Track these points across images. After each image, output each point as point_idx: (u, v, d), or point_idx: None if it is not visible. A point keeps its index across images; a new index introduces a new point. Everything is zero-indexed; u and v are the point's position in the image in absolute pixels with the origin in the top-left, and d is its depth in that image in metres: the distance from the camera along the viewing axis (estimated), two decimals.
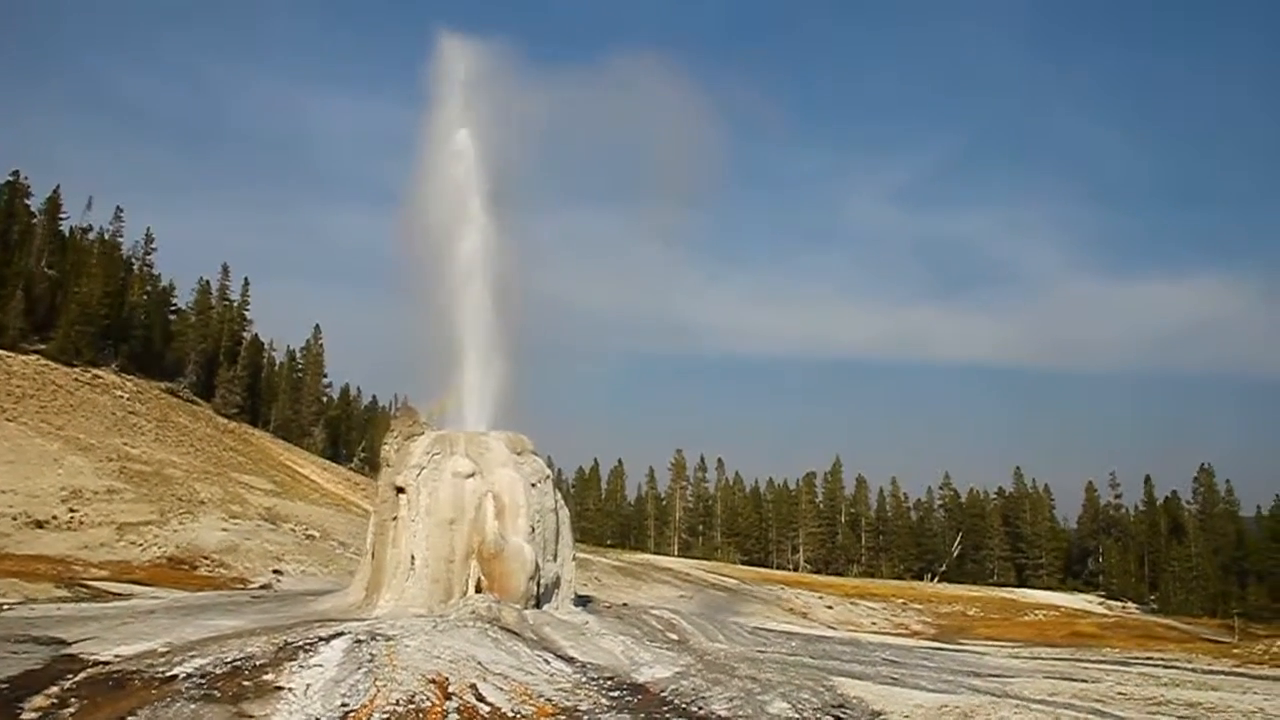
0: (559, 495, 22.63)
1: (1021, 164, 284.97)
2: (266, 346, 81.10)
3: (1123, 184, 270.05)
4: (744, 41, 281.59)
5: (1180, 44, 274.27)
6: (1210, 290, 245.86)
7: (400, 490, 20.79)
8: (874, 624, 47.72)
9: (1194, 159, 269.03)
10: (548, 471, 22.29)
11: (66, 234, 67.42)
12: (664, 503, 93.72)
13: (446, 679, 13.58)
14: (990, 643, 35.40)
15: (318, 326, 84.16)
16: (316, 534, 41.98)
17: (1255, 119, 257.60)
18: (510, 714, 12.77)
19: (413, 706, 12.60)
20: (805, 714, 13.55)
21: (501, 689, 13.57)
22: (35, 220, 64.45)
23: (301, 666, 13.63)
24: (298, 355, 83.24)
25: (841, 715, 13.63)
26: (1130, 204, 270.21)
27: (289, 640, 14.95)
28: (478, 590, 19.75)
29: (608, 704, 13.61)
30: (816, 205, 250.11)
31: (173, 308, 73.69)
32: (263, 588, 30.46)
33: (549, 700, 13.44)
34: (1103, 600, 70.22)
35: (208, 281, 75.08)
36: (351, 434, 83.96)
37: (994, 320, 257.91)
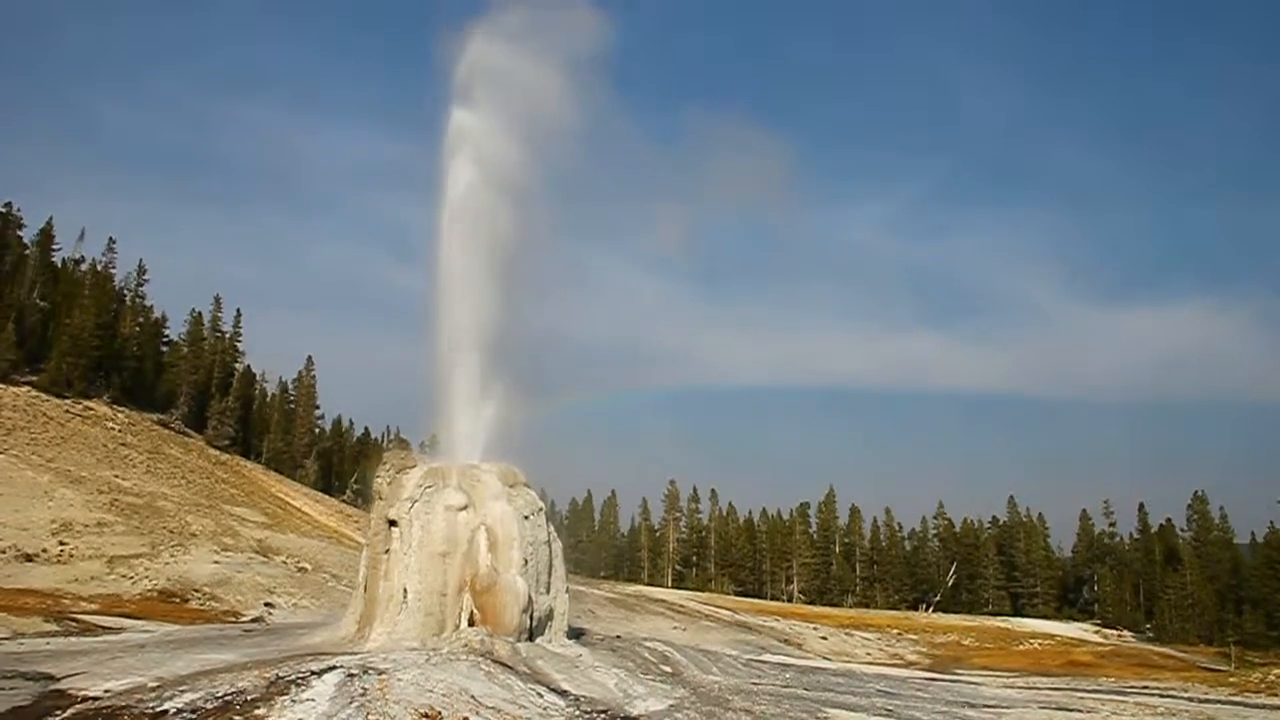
0: (552, 528, 22.59)
1: (1013, 190, 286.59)
2: (258, 378, 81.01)
3: (1115, 210, 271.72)
4: (732, 69, 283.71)
5: (1172, 66, 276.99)
6: (1203, 317, 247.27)
7: (393, 523, 20.74)
8: (869, 655, 47.51)
9: (1186, 183, 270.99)
10: (540, 504, 22.26)
11: (59, 265, 67.50)
12: (658, 534, 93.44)
13: (439, 713, 13.48)
14: (986, 672, 35.27)
15: (310, 358, 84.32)
16: (309, 566, 41.78)
17: (1248, 143, 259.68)
18: None
19: None
20: None
21: None
22: (27, 251, 64.56)
23: (293, 701, 13.53)
24: (290, 387, 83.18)
25: None
26: (1123, 230, 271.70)
27: (281, 674, 14.85)
28: (470, 623, 19.67)
29: None
30: (809, 233, 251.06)
31: (165, 339, 73.62)
32: (254, 621, 30.29)
33: None
34: (1098, 629, 70.00)
35: (200, 313, 75.16)
36: (344, 466, 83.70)
37: (987, 348, 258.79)
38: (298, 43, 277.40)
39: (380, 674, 14.99)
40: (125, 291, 70.77)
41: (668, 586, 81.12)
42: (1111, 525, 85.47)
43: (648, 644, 23.57)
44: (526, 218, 26.80)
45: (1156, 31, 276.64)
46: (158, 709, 13.23)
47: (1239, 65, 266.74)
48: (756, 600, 76.06)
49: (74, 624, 25.15)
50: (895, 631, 57.93)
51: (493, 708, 14.04)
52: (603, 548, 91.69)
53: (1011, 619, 73.27)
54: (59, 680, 15.11)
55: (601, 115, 30.09)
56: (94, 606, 29.37)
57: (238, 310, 78.27)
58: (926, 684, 24.92)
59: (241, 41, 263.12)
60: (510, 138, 26.70)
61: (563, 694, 15.68)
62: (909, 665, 42.32)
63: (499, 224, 25.75)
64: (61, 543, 37.02)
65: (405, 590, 20.06)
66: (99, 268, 68.76)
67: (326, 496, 72.63)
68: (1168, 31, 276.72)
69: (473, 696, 14.35)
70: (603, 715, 14.62)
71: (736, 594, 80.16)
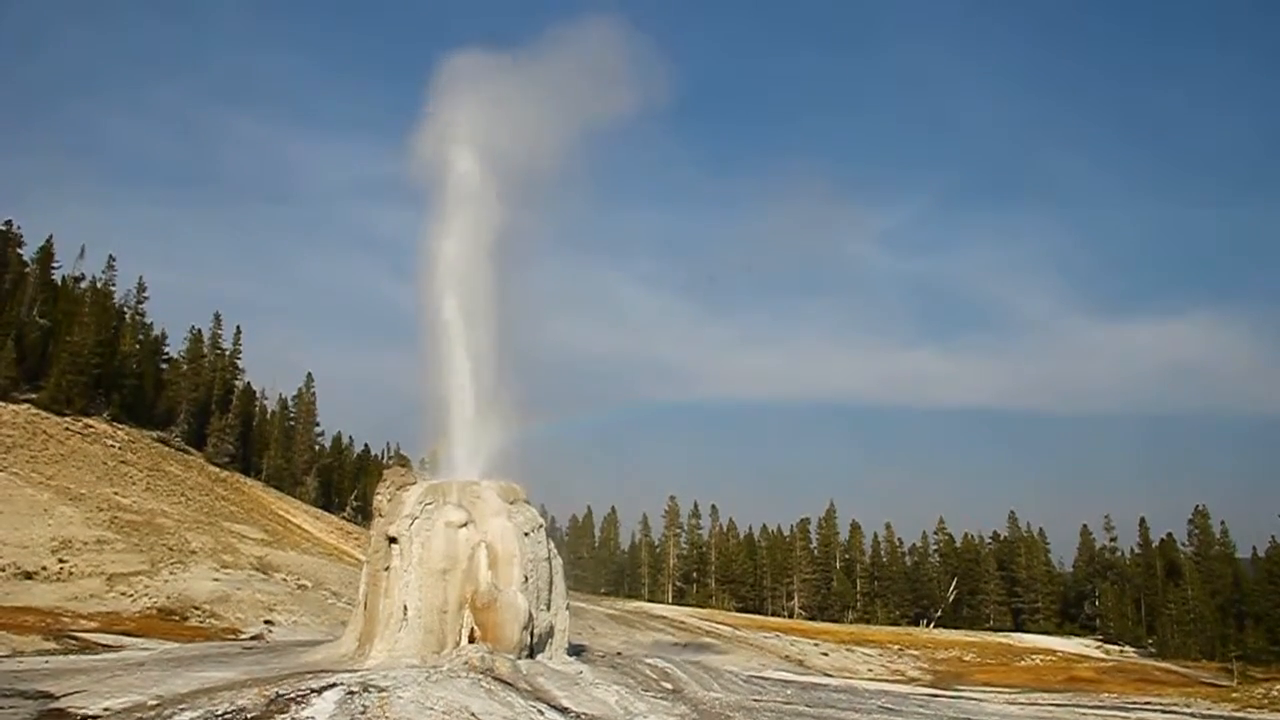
0: (552, 544, 22.58)
1: (1014, 202, 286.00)
2: (258, 395, 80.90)
3: (1116, 222, 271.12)
4: (730, 77, 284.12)
5: (1173, 76, 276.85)
6: (1205, 330, 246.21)
7: (393, 540, 20.73)
8: (870, 670, 47.40)
9: (1188, 194, 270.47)
10: (540, 520, 22.26)
11: (59, 283, 67.55)
12: (658, 550, 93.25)
13: None
14: (987, 689, 35.18)
15: (310, 375, 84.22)
16: (309, 584, 41.70)
17: (1251, 153, 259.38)
18: None
19: None
20: None
21: None
22: (28, 269, 64.63)
23: (294, 719, 13.51)
24: (290, 404, 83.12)
25: None
26: (1124, 242, 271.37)
27: (280, 692, 14.82)
28: (471, 640, 19.64)
29: None
30: (807, 248, 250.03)
31: (164, 356, 73.60)
32: (254, 638, 30.23)
33: None
34: (1100, 644, 69.81)
35: (199, 330, 75.13)
36: (344, 483, 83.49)
37: (987, 363, 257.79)
38: (299, 54, 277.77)
39: (380, 691, 14.97)
40: (125, 309, 70.82)
41: (668, 603, 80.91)
42: (1112, 540, 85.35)
43: (648, 660, 23.54)
44: (527, 232, 26.93)
45: (1157, 40, 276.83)
46: None
47: (1241, 75, 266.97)
48: (757, 616, 75.87)
49: (73, 642, 25.11)
50: (896, 647, 57.79)
51: None
52: (603, 564, 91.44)
53: (1013, 634, 73.08)
54: (58, 699, 15.08)
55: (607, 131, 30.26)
56: (93, 624, 29.32)
57: (237, 327, 78.34)
58: (928, 700, 24.86)
59: (241, 52, 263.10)
60: (511, 150, 26.84)
61: (563, 711, 15.64)
62: (910, 681, 42.20)
63: (498, 238, 25.85)
64: (61, 560, 36.96)
65: (405, 607, 20.04)
66: (99, 285, 68.81)
67: (326, 513, 72.48)
68: (1169, 39, 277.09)
69: (473, 714, 14.32)
70: None
71: (737, 610, 79.94)
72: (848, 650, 53.91)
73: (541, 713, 15.19)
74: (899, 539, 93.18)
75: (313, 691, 14.94)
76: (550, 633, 21.36)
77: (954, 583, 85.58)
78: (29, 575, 35.02)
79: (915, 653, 56.00)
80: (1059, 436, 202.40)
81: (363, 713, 13.85)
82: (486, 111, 26.75)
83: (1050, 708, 24.08)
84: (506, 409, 24.53)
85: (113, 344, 64.66)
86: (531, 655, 20.12)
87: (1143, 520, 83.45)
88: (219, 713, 13.70)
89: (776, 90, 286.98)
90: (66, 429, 55.25)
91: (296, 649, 23.49)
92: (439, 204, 25.99)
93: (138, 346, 69.64)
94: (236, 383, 77.17)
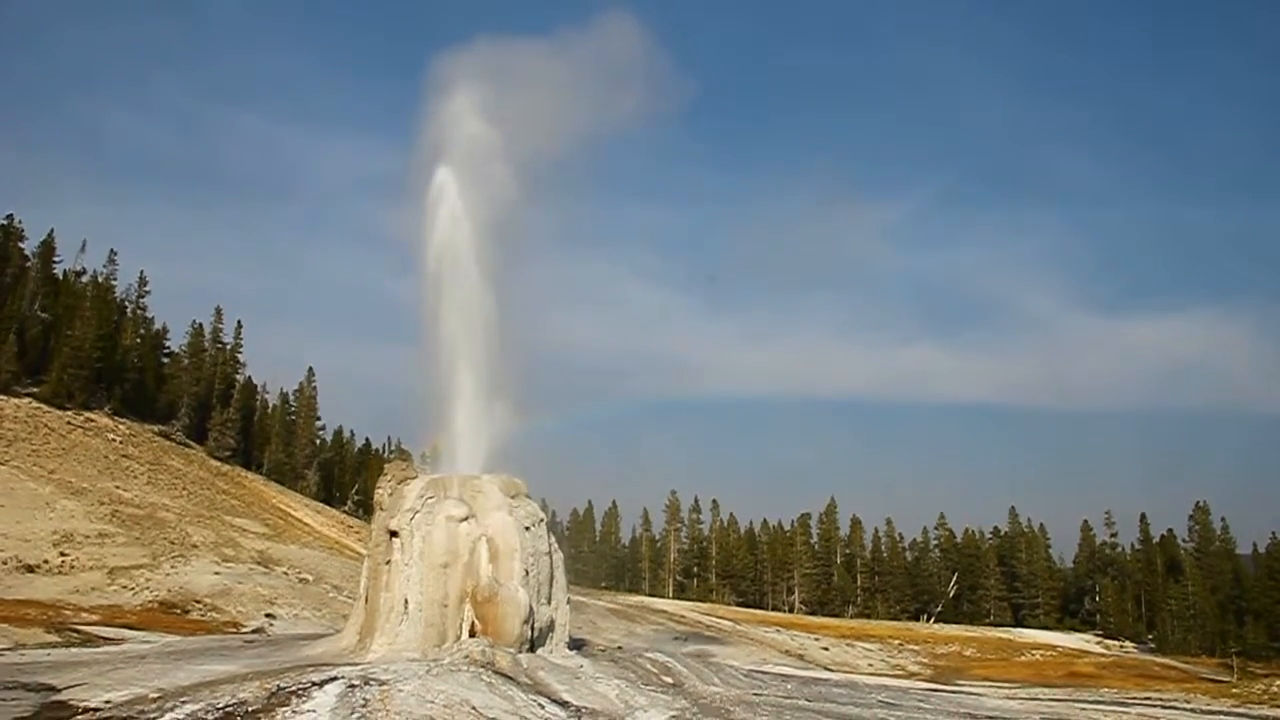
0: (553, 538, 22.57)
1: (1016, 199, 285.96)
2: (260, 389, 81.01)
3: (1118, 219, 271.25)
4: (730, 77, 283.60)
5: (1174, 74, 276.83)
6: (1206, 326, 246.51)
7: (394, 534, 20.73)
8: (870, 665, 47.45)
9: (1189, 191, 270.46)
10: (541, 515, 22.24)
11: (60, 277, 67.59)
12: (658, 545, 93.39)
13: None
14: (987, 683, 35.22)
15: (311, 369, 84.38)
16: (310, 578, 41.75)
17: (1251, 150, 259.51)
18: None
19: None
20: None
21: None
22: (29, 263, 64.64)
23: (294, 712, 13.52)
24: (291, 398, 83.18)
25: None
26: (1126, 239, 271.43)
27: (281, 685, 14.84)
28: (471, 634, 19.64)
29: None
30: (809, 244, 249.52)
31: (166, 351, 73.66)
32: (255, 632, 30.27)
33: None
34: (1100, 639, 69.89)
35: (201, 324, 75.24)
36: (345, 477, 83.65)
37: (988, 359, 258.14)
38: (301, 51, 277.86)
39: (381, 685, 14.98)
40: (126, 303, 70.91)
41: (669, 597, 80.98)
42: (1113, 536, 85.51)
43: (649, 654, 23.55)
44: (531, 224, 26.92)
45: (1158, 38, 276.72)
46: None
47: (1241, 75, 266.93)
48: (758, 611, 75.95)
49: (75, 635, 25.15)
50: (897, 642, 57.84)
51: (494, 719, 14.04)
52: (604, 558, 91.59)
53: (1013, 630, 73.15)
54: (60, 691, 15.10)
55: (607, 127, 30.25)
56: (95, 617, 29.35)
57: (238, 321, 78.44)
58: (928, 695, 24.88)
59: (243, 49, 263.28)
60: (515, 140, 26.79)
61: (564, 705, 15.66)
62: (911, 676, 42.25)
63: (499, 232, 25.83)
64: (63, 554, 37.02)
65: (406, 601, 20.04)
66: (100, 279, 68.94)
67: (328, 507, 72.56)
68: (1170, 38, 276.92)
69: (474, 708, 14.33)
70: None
71: (738, 605, 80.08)
72: (848, 645, 53.96)
73: (542, 706, 15.21)
74: (899, 534, 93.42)
75: (314, 685, 14.95)
76: (551, 627, 21.38)
77: (954, 578, 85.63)
78: (31, 568, 35.07)
79: (915, 648, 56.06)
80: (1060, 432, 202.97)
81: (363, 706, 13.86)
82: (495, 95, 26.66)
83: (1050, 703, 24.09)
84: (508, 403, 24.52)
85: (114, 338, 64.69)
86: (532, 649, 20.14)
87: (1143, 516, 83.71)
88: (220, 705, 13.72)
89: (780, 88, 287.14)
90: (68, 423, 55.31)
91: (297, 642, 23.51)
92: (439, 197, 25.92)
93: (139, 341, 69.66)
94: (238, 377, 77.29)
